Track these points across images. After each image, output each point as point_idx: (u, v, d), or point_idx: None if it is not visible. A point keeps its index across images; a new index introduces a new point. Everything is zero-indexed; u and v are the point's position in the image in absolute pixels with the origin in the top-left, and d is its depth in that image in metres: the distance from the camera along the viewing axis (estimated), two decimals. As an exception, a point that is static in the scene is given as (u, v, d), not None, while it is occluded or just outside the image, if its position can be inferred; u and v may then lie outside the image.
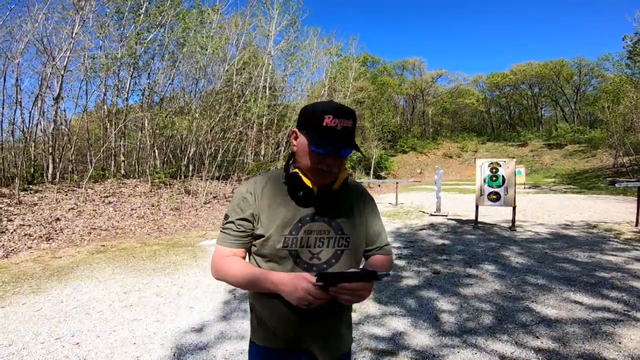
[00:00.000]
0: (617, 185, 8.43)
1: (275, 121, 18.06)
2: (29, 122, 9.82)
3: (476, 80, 53.87)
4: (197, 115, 12.69)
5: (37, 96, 9.72)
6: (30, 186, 8.75)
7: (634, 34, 20.70)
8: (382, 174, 30.38)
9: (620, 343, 2.79)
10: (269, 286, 1.03)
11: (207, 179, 11.76)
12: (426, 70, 52.26)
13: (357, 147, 1.06)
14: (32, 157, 9.78)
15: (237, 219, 1.13)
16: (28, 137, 9.57)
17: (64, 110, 11.02)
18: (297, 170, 1.11)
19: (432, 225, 8.53)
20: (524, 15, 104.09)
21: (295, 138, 1.12)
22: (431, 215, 10.27)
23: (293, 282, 0.98)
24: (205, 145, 13.04)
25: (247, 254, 1.18)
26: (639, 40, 20.42)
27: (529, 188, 20.95)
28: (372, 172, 27.79)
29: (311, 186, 1.08)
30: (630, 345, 2.76)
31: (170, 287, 4.34)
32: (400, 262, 5.28)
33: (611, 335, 2.92)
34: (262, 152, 17.33)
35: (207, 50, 13.12)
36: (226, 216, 1.17)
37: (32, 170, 9.55)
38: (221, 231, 1.17)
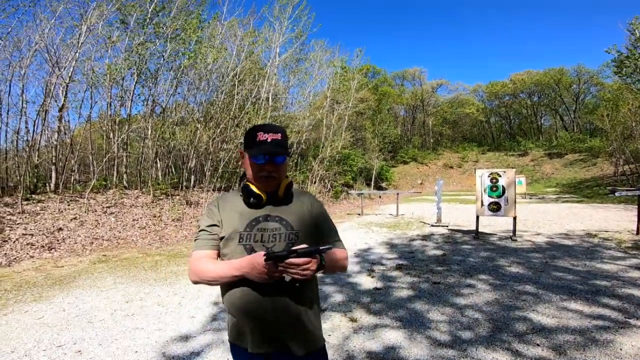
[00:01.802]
0: (617, 194, 8.43)
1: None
2: (33, 131, 9.94)
3: (476, 89, 54.11)
4: (198, 125, 12.80)
5: (42, 106, 9.84)
6: (33, 196, 8.82)
7: (616, 51, 20.93)
8: (383, 184, 30.38)
9: (621, 349, 2.80)
10: (233, 272, 1.19)
11: (208, 190, 11.82)
12: (426, 80, 52.54)
13: (288, 153, 1.33)
14: (36, 167, 9.87)
15: (207, 226, 1.34)
16: (32, 147, 9.67)
17: (68, 120, 11.15)
18: (248, 182, 1.35)
19: (432, 236, 8.54)
20: (524, 23, 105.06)
21: (243, 157, 1.38)
22: (432, 226, 10.28)
23: (250, 261, 1.15)
24: (206, 156, 13.13)
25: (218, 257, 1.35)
26: (625, 57, 20.54)
27: (530, 198, 20.95)
28: (373, 183, 27.79)
29: (260, 193, 1.31)
30: (632, 352, 2.77)
31: (171, 296, 4.36)
32: (400, 273, 5.29)
33: (612, 342, 2.93)
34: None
35: (209, 61, 13.29)
36: (198, 227, 1.38)
37: (35, 179, 9.63)
38: (195, 240, 1.37)
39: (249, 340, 1.27)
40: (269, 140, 1.27)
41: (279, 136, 1.29)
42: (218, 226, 1.32)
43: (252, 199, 1.30)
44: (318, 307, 1.39)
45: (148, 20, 11.97)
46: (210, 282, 1.26)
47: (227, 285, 1.28)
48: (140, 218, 9.25)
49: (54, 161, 9.90)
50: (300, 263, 1.10)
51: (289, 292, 1.25)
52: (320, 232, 1.41)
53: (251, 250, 1.25)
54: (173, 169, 13.90)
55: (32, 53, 9.46)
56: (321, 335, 1.35)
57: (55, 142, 10.07)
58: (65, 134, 10.82)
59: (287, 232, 1.31)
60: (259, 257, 1.12)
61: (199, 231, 1.35)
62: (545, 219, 10.98)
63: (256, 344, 1.25)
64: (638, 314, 3.48)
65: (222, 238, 1.31)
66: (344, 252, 1.41)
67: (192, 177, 12.93)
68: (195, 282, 1.29)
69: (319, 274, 1.29)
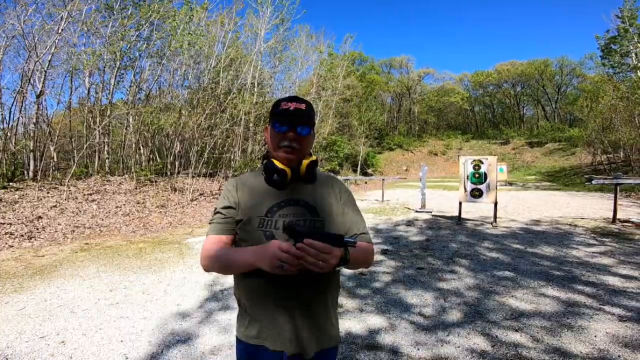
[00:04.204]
0: (593, 182, 8.70)
1: (263, 118, 17.99)
2: (9, 118, 9.60)
3: (461, 78, 54.49)
4: (183, 111, 12.55)
5: (19, 92, 9.48)
6: (11, 184, 8.56)
7: (605, 33, 21.89)
8: (369, 171, 30.57)
9: (595, 336, 2.92)
10: (247, 260, 1.08)
11: (193, 176, 11.67)
12: (413, 69, 52.67)
13: (312, 124, 1.23)
14: (13, 155, 9.56)
15: (222, 207, 1.23)
16: (8, 134, 9.34)
17: (46, 107, 10.80)
18: (271, 160, 1.23)
19: (416, 222, 8.67)
20: (511, 14, 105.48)
21: (267, 132, 1.28)
22: (416, 211, 10.42)
23: (263, 248, 1.04)
24: (191, 142, 12.93)
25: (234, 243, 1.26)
26: (611, 38, 21.42)
27: (511, 185, 21.41)
28: (359, 169, 27.96)
29: (284, 168, 1.19)
30: (606, 339, 2.88)
31: (156, 284, 4.33)
32: (383, 258, 5.38)
33: (586, 329, 3.05)
34: (250, 149, 17.25)
35: (193, 47, 12.98)
36: (214, 209, 1.27)
37: (12, 167, 9.33)
38: (209, 223, 1.26)
39: (263, 337, 1.15)
40: (292, 108, 1.18)
41: (303, 106, 1.19)
42: (234, 208, 1.21)
43: (275, 175, 1.19)
44: (336, 303, 1.27)
45: (131, 6, 11.60)
46: (221, 271, 1.18)
47: (241, 276, 1.19)
48: (124, 205, 9.10)
49: (32, 148, 9.60)
50: (320, 248, 0.95)
51: (309, 285, 1.14)
52: (346, 222, 1.27)
53: (271, 238, 1.13)
54: (157, 155, 13.64)
55: (10, 39, 9.07)
56: (337, 335, 1.25)
57: (33, 129, 9.75)
58: (43, 121, 10.47)
59: (312, 218, 1.19)
60: (271, 245, 1.00)
61: (214, 213, 1.25)
62: (524, 206, 11.26)
63: (272, 341, 1.14)
64: (612, 301, 3.63)
65: (239, 221, 1.20)
66: (371, 246, 1.26)
67: (177, 163, 12.74)
68: (207, 270, 1.19)
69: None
